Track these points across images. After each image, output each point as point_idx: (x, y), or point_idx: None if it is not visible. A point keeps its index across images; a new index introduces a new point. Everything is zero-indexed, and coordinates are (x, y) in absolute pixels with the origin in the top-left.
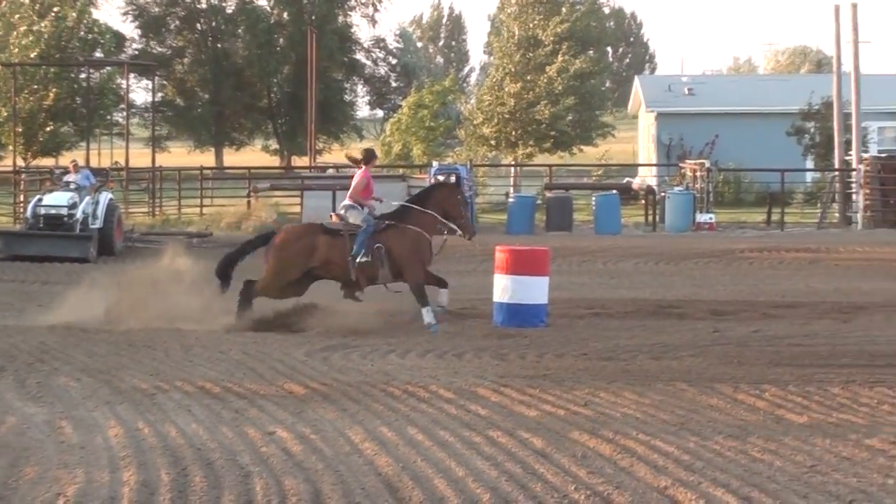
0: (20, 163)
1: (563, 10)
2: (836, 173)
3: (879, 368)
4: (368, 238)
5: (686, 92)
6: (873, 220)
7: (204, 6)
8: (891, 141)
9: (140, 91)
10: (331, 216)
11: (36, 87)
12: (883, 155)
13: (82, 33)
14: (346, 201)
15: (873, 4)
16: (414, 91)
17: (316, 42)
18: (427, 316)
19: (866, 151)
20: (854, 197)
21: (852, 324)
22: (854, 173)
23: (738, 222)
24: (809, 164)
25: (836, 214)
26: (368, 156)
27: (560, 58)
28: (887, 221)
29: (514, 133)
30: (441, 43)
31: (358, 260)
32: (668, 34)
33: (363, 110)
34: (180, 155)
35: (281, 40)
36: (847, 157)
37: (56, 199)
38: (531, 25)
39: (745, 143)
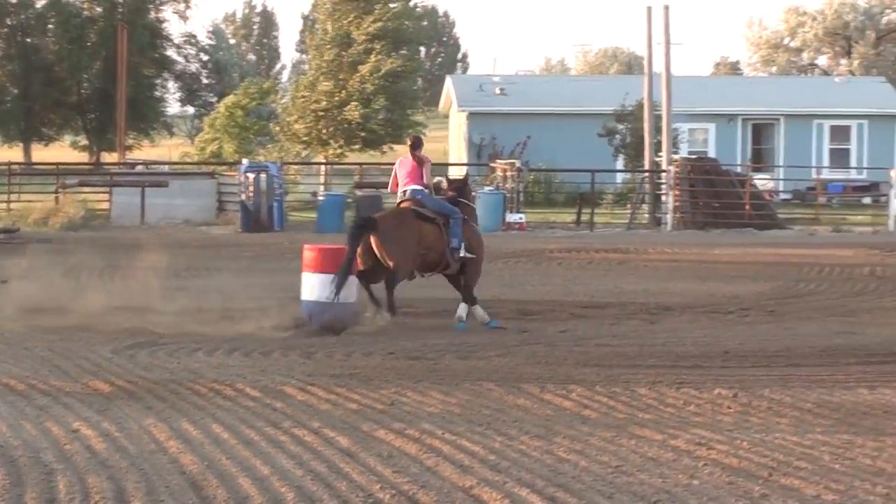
0: None
1: (377, 9)
2: (647, 174)
3: (686, 369)
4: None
5: (498, 92)
6: (682, 222)
7: (14, 0)
8: (701, 143)
9: None
10: (401, 202)
11: None
12: (693, 157)
13: None
14: (415, 186)
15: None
16: (231, 90)
17: (127, 37)
18: (481, 313)
19: (676, 153)
20: (664, 198)
21: (660, 325)
22: (664, 174)
23: (548, 222)
24: (620, 164)
25: (646, 215)
26: (419, 142)
27: (374, 57)
28: (696, 223)
29: (325, 131)
30: (253, 40)
31: (462, 253)
32: (480, 34)
33: (174, 107)
34: None
35: (92, 35)
36: (657, 159)
37: None
38: (345, 23)
39: (557, 143)
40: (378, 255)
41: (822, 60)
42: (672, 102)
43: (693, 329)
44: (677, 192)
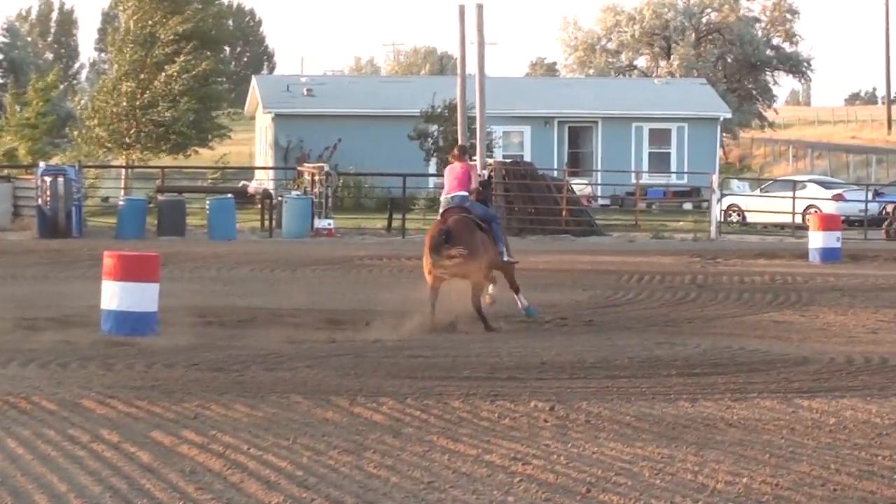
0: None
1: (188, 10)
2: None
3: (501, 381)
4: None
5: (305, 93)
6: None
7: None
8: (516, 146)
9: None
10: (444, 211)
11: None
12: (508, 160)
13: None
14: (462, 192)
15: (499, 5)
16: (15, 86)
17: None
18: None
19: (491, 156)
20: None
21: (474, 334)
22: None
23: (358, 229)
24: (433, 168)
25: None
26: (464, 149)
27: (182, 57)
28: (512, 229)
29: (128, 134)
30: (50, 38)
31: (506, 258)
32: (287, 33)
33: None
34: None
35: None
36: (471, 163)
37: None
38: (150, 23)
39: (368, 146)
40: (455, 269)
41: (642, 62)
42: (486, 104)
43: (509, 339)
44: (492, 198)
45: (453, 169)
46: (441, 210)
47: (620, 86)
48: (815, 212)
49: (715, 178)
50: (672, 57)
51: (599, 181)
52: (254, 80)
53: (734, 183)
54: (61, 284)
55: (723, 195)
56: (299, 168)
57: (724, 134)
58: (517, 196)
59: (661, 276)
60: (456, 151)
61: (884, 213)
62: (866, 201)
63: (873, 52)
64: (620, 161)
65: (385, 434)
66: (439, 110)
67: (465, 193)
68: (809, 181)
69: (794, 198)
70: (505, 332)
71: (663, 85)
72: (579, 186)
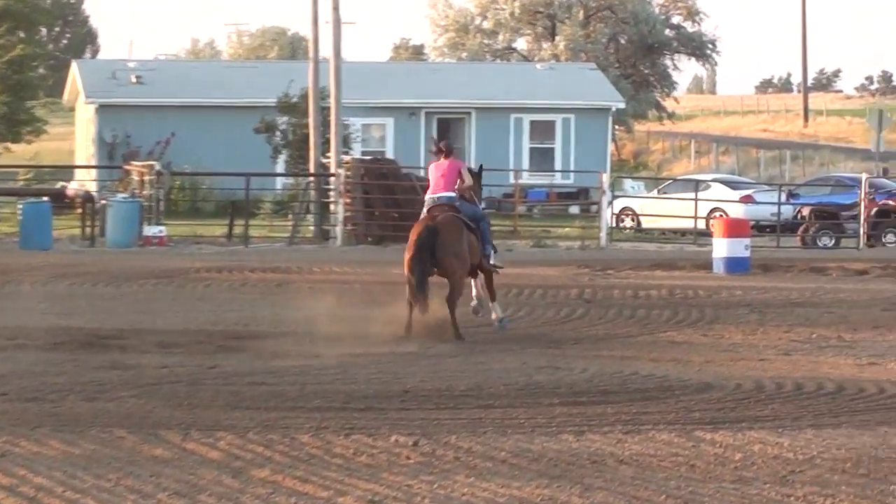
0: None
1: None
2: (312, 179)
3: (357, 412)
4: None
5: (134, 80)
6: (355, 236)
7: None
8: (378, 141)
9: None
10: (430, 209)
11: None
12: (367, 157)
13: None
14: (448, 193)
15: None
16: None
17: None
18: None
19: (348, 153)
20: (332, 207)
21: (327, 359)
22: (332, 179)
23: (194, 236)
24: (281, 167)
25: (312, 228)
26: (450, 148)
27: None
28: (371, 237)
29: None
30: None
31: (493, 262)
32: (113, 12)
33: None
34: None
35: None
36: (325, 160)
37: None
38: None
39: (206, 141)
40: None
41: (522, 44)
42: (343, 92)
43: (367, 364)
44: (348, 201)
45: (439, 166)
46: (426, 210)
47: (497, 71)
48: (721, 216)
49: (606, 178)
50: (557, 38)
51: None
52: (74, 66)
53: (628, 183)
54: None
55: (615, 197)
56: (126, 167)
57: (616, 127)
58: (377, 199)
59: (543, 290)
60: (442, 146)
61: (799, 217)
62: (779, 203)
63: (788, 33)
64: (497, 158)
65: (223, 474)
66: (295, 100)
67: (453, 195)
68: (714, 181)
69: (696, 200)
70: (362, 354)
71: (547, 70)
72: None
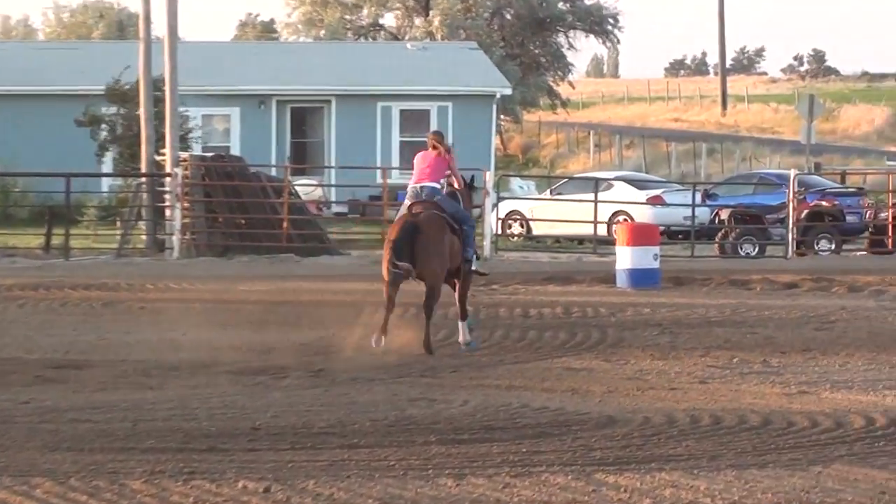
0: None
1: None
2: (144, 180)
3: (198, 454)
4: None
5: None
6: (195, 246)
7: None
8: (221, 135)
9: None
10: (411, 204)
11: None
12: (209, 154)
13: None
14: (433, 184)
15: None
16: None
17: None
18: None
19: (187, 149)
20: (168, 213)
21: (163, 391)
22: (168, 180)
23: (5, 248)
24: (108, 166)
25: (144, 237)
26: (441, 137)
27: None
28: (214, 247)
29: None
30: None
31: (475, 267)
32: None
33: None
34: None
35: None
36: (159, 158)
37: None
38: None
39: (20, 136)
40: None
41: (390, 20)
42: (180, 78)
43: (210, 397)
44: (187, 205)
45: (426, 156)
46: (407, 202)
47: (362, 52)
48: (625, 220)
49: (489, 176)
50: (431, 13)
51: (333, 181)
52: None
53: (515, 182)
54: None
55: (500, 199)
56: None
57: (501, 116)
58: (221, 203)
59: (416, 309)
60: (437, 139)
61: (717, 221)
62: (693, 206)
63: (702, 6)
64: (362, 154)
65: None
66: (127, 87)
67: (437, 186)
68: (617, 179)
69: (596, 202)
70: (202, 387)
71: (420, 51)
72: (306, 189)
